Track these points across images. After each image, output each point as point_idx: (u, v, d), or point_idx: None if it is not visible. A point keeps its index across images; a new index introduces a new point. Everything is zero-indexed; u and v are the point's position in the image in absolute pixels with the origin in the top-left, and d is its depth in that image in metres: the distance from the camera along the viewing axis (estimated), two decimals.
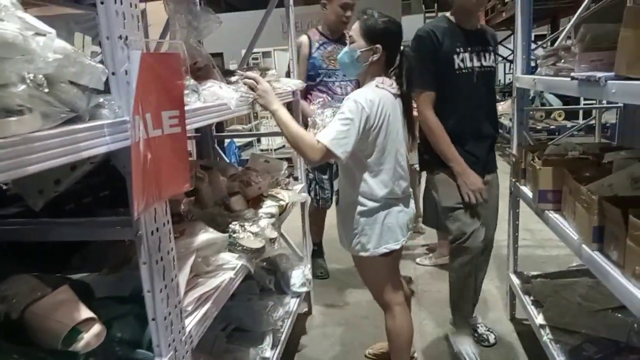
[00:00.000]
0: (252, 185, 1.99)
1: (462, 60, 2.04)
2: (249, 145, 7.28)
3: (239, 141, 6.62)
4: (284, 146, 6.66)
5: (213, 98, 1.35)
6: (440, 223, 3.21)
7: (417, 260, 3.32)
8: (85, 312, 0.89)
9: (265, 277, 2.26)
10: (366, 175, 1.67)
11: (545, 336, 1.90)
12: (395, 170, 1.69)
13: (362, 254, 1.74)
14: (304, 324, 2.57)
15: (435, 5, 9.52)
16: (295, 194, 2.14)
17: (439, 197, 2.12)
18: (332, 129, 1.58)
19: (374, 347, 2.27)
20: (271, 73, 1.99)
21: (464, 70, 2.04)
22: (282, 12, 2.42)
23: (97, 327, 0.89)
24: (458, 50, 2.03)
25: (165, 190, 0.97)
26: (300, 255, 2.61)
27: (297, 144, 1.59)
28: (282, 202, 1.93)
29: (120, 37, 0.86)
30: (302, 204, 2.52)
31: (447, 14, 2.12)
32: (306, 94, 2.83)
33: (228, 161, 3.00)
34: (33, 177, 0.69)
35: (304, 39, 2.90)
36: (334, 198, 2.91)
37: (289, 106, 2.21)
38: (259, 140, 7.18)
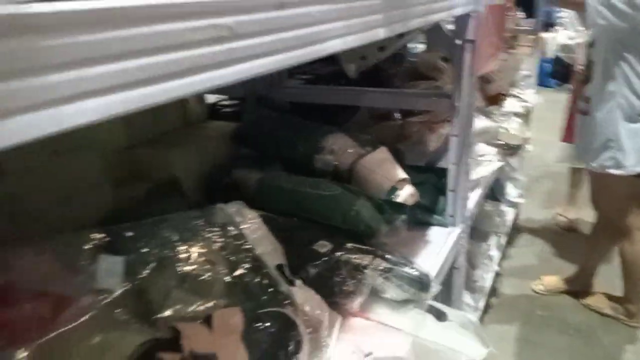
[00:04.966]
0: (492, 82, 1.87)
1: None
2: None
3: None
4: None
5: None
6: None
7: None
8: (401, 173, 0.96)
9: None
10: None
11: None
12: None
13: (613, 171, 1.55)
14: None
15: None
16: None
17: None
18: None
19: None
20: None
21: None
22: None
23: (410, 188, 0.96)
24: None
25: (483, 65, 0.95)
26: (513, 167, 2.48)
27: None
28: (527, 104, 1.79)
29: None
30: None
31: None
32: None
33: None
34: None
35: None
36: None
37: None
38: None
